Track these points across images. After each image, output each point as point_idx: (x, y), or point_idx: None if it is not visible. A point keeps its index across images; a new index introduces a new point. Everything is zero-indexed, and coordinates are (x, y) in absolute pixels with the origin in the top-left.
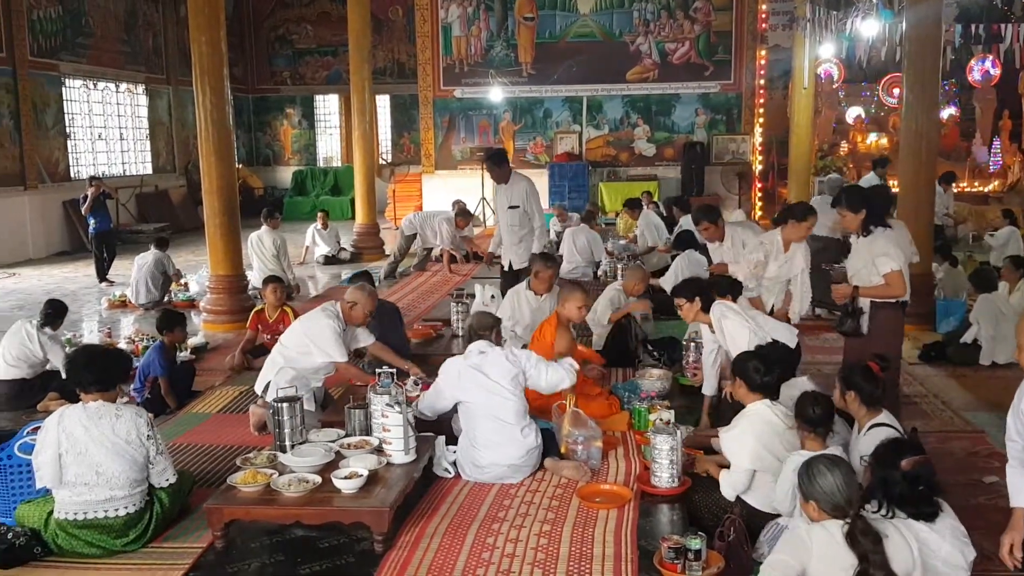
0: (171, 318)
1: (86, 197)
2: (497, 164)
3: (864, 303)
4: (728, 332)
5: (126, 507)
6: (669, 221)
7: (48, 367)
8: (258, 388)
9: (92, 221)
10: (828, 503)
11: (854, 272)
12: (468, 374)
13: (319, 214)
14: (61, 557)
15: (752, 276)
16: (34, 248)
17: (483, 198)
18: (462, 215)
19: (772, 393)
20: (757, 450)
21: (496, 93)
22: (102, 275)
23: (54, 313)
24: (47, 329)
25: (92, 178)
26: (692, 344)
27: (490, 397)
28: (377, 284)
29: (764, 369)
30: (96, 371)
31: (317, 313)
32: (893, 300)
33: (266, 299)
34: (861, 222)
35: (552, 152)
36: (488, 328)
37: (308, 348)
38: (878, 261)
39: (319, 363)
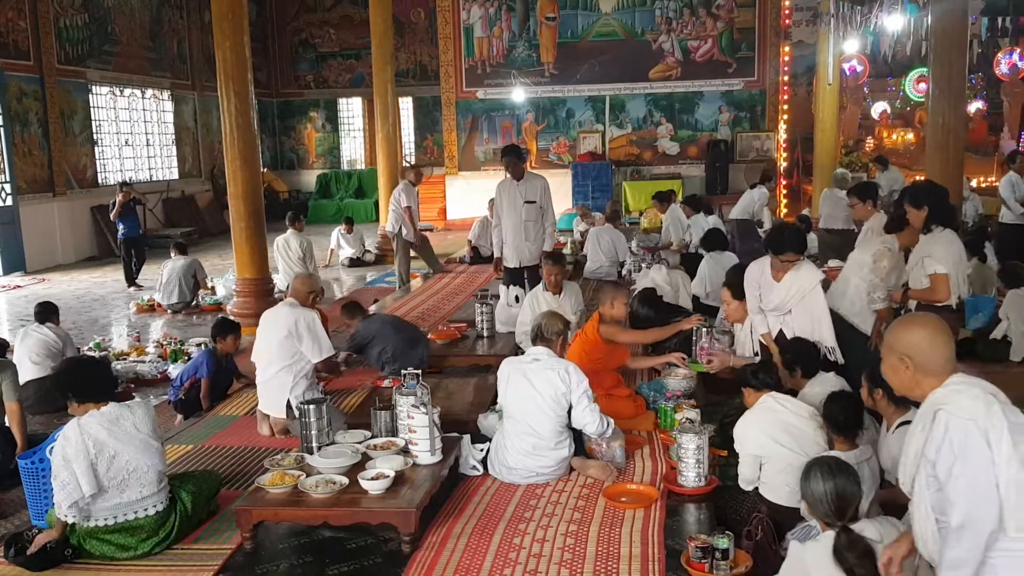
0: (227, 326)
1: (115, 203)
2: (519, 159)
3: (912, 305)
4: (821, 303)
5: (155, 505)
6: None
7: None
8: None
9: (121, 227)
10: (816, 508)
11: (909, 271)
12: (515, 378)
13: (344, 221)
14: (91, 559)
15: (880, 286)
16: (63, 254)
17: None
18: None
19: (775, 388)
20: (758, 437)
21: (518, 94)
22: (131, 280)
23: (44, 310)
24: (49, 324)
25: (122, 184)
26: (703, 330)
27: (529, 407)
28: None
29: (760, 368)
30: (106, 379)
31: (296, 312)
32: (939, 304)
33: None
34: (924, 220)
35: (575, 152)
36: (556, 333)
37: (300, 353)
38: (925, 261)
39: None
